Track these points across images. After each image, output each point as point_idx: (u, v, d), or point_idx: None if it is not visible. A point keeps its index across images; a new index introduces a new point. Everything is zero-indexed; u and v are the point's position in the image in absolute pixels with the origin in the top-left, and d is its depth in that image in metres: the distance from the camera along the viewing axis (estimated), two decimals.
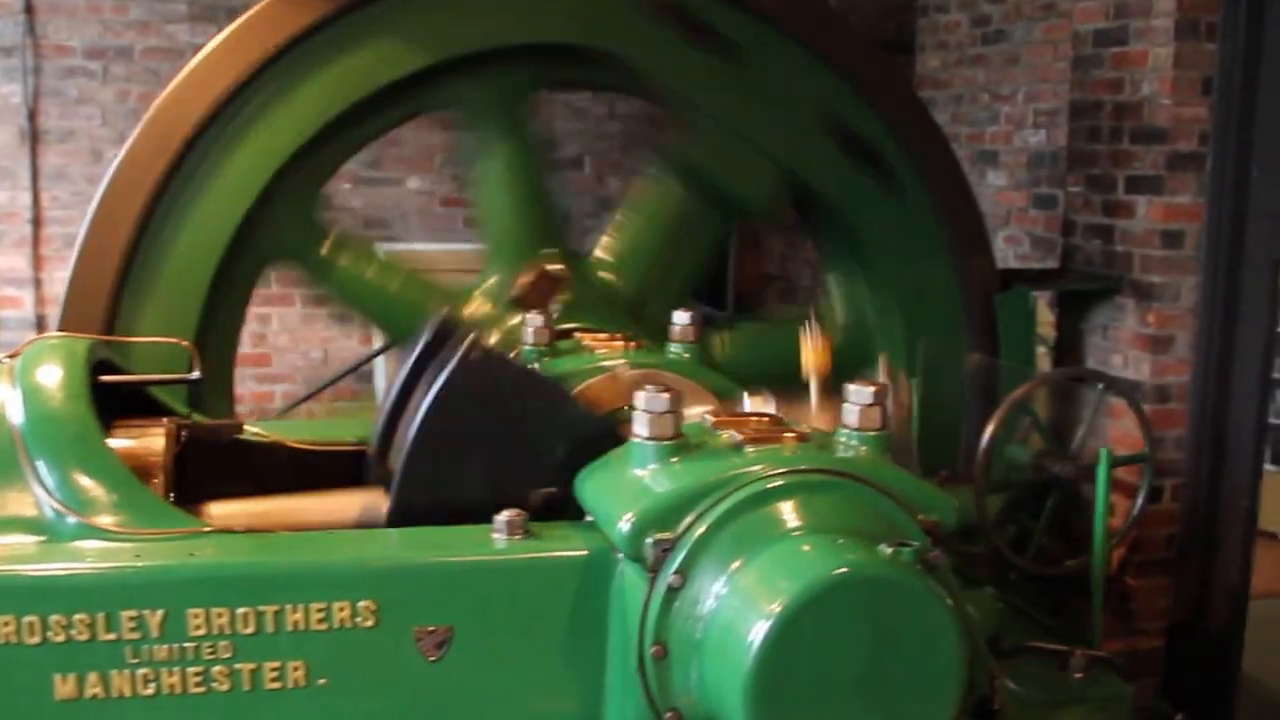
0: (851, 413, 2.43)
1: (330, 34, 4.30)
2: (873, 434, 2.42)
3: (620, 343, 3.77)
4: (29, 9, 8.07)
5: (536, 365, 3.65)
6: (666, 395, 2.34)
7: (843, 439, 2.43)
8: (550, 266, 4.27)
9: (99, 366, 2.86)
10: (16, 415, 2.48)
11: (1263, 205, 5.26)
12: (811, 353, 2.96)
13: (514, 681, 2.34)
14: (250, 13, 4.30)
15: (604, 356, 3.63)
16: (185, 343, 3.18)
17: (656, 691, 2.21)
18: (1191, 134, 5.32)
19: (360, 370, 8.14)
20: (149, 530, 2.35)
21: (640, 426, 2.35)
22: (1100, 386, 4.78)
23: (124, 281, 4.23)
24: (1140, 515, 4.79)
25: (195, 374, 2.92)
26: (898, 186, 4.85)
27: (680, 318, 3.71)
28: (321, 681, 2.26)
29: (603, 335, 3.88)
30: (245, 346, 8.53)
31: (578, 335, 3.91)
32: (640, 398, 2.35)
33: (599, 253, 4.73)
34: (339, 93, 4.36)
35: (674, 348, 3.69)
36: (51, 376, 2.58)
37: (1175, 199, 5.36)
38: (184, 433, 2.89)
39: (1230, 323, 5.39)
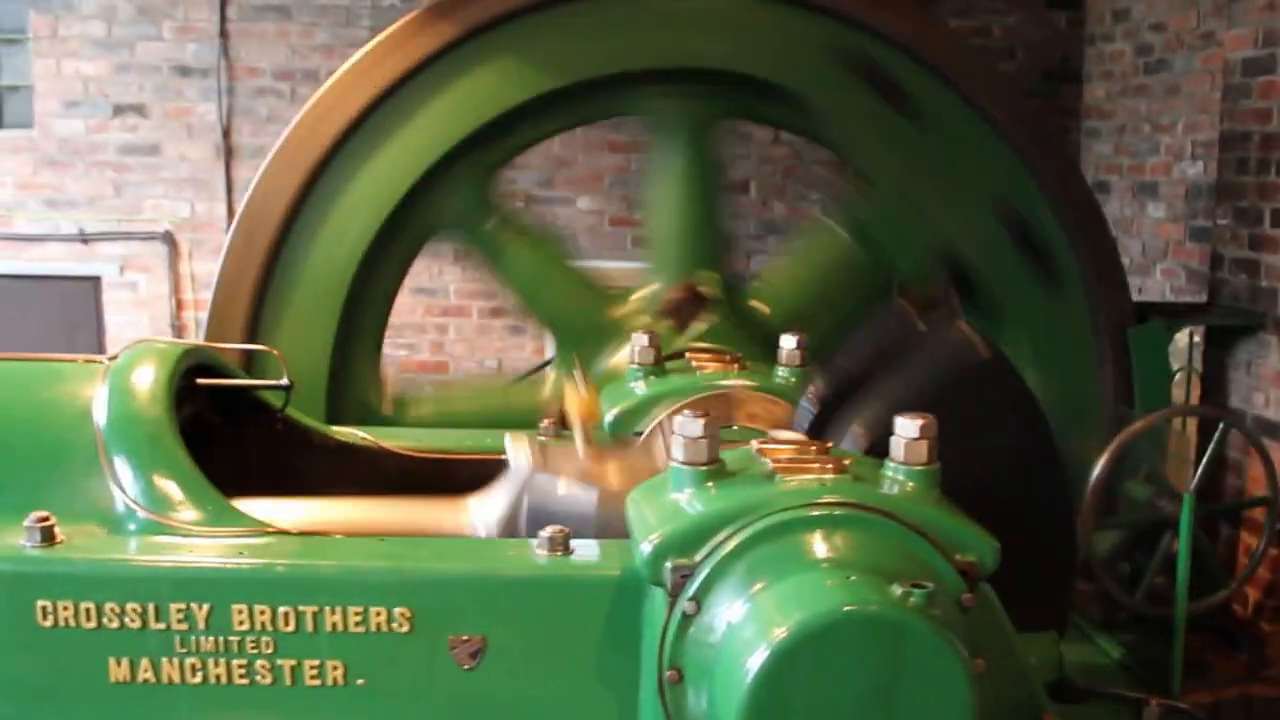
0: (897, 446, 2.40)
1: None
2: (920, 468, 2.39)
3: (727, 364, 3.79)
4: (224, 34, 8.63)
5: (641, 383, 3.69)
6: (702, 420, 2.35)
7: (889, 473, 2.40)
8: (700, 286, 4.34)
9: (201, 370, 3.02)
10: (101, 414, 2.64)
11: None
12: (575, 400, 2.97)
13: (548, 695, 2.38)
14: (384, 35, 4.50)
15: (711, 377, 3.66)
16: (275, 351, 3.33)
17: (674, 716, 2.23)
18: None
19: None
20: (210, 529, 2.47)
21: (676, 450, 2.37)
22: (1221, 425, 4.60)
23: (265, 289, 4.46)
24: (1262, 557, 4.60)
25: (285, 380, 3.05)
26: (1060, 284, 4.80)
27: (787, 341, 3.72)
28: (360, 682, 2.34)
29: (710, 355, 3.90)
30: (424, 354, 8.94)
31: (688, 355, 3.95)
32: (677, 422, 2.37)
33: (758, 282, 4.78)
34: (513, 88, 4.54)
35: (781, 371, 3.69)
36: (138, 379, 2.73)
37: None
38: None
39: None
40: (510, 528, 2.82)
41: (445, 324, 9.04)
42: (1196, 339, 6.22)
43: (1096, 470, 4.04)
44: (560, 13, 4.58)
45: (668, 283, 4.55)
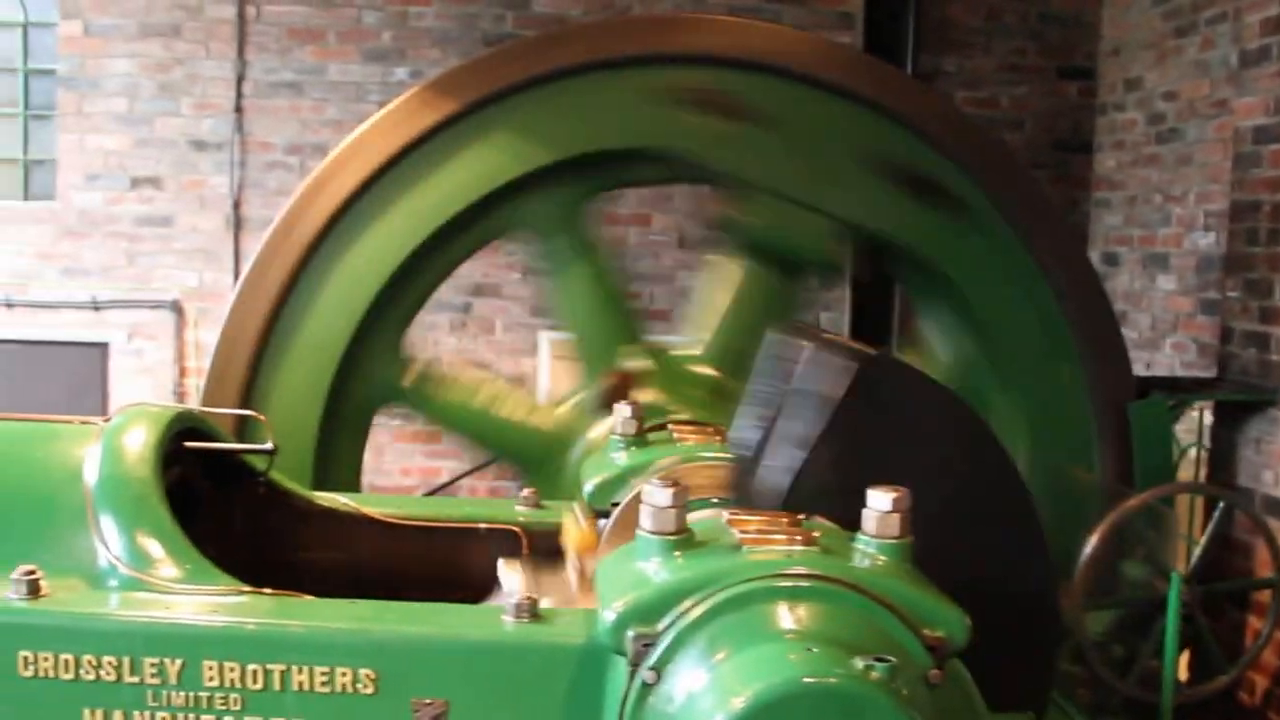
0: (869, 519, 2.40)
1: (422, 154, 4.58)
2: (891, 542, 2.39)
3: (708, 435, 3.80)
4: (239, 109, 8.85)
5: (622, 454, 3.70)
6: (671, 490, 2.37)
7: (860, 546, 2.40)
8: (627, 365, 4.37)
9: (190, 434, 3.07)
10: (92, 473, 2.70)
11: None
12: (574, 532, 3.00)
13: None
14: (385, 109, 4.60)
15: (692, 448, 3.67)
16: (261, 417, 3.39)
17: None
18: None
19: None
20: (187, 587, 2.51)
21: (644, 519, 2.39)
22: (1222, 504, 4.57)
23: (261, 356, 4.53)
24: (1266, 642, 4.54)
25: (269, 445, 3.10)
26: (973, 217, 4.79)
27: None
28: None
29: (691, 427, 3.91)
30: (419, 423, 8.97)
31: (671, 427, 3.96)
32: (645, 490, 2.39)
33: (687, 343, 4.83)
34: (514, 161, 4.63)
35: None
36: (128, 441, 2.78)
37: None
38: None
39: None
40: None
41: None
42: (1208, 415, 6.20)
43: (1089, 548, 4.01)
44: (562, 87, 4.67)
45: (596, 376, 4.60)
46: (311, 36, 8.69)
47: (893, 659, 2.09)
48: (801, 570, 2.26)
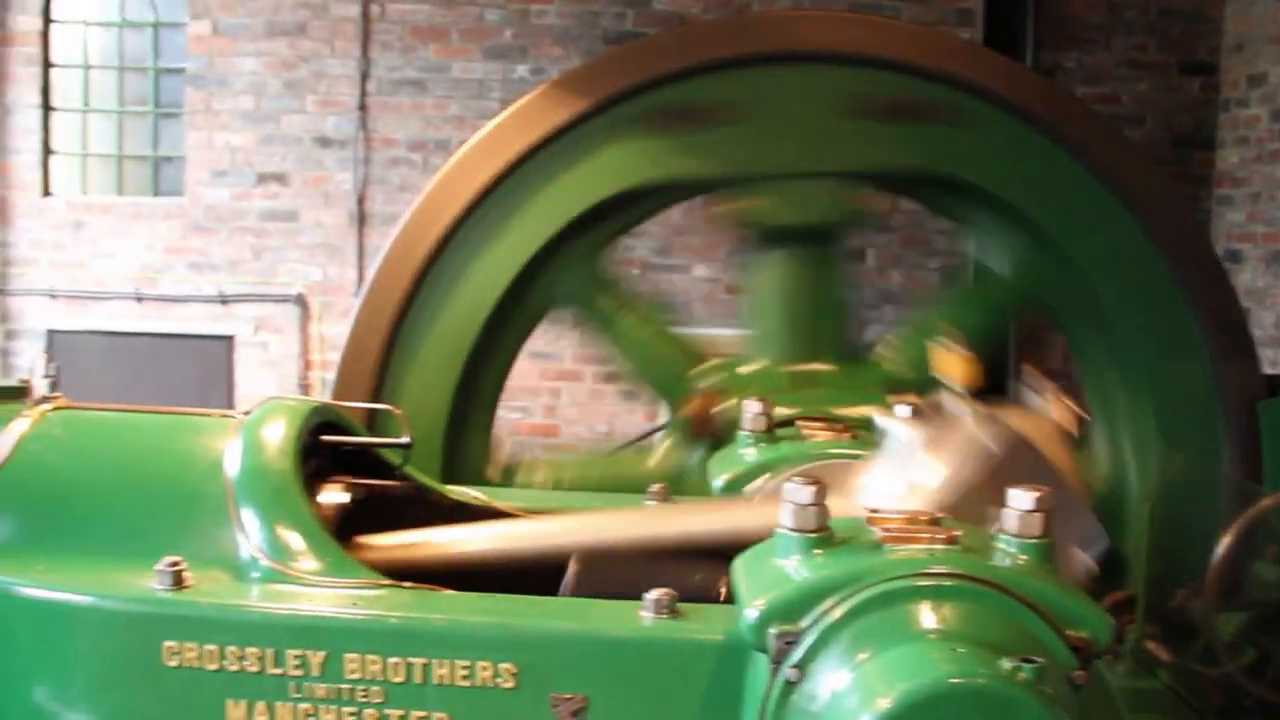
0: (1011, 518, 2.38)
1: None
2: (1033, 542, 2.37)
3: (838, 432, 3.79)
4: (363, 107, 9.00)
5: (752, 450, 3.70)
6: (812, 487, 2.37)
7: (1001, 545, 2.38)
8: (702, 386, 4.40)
9: (326, 427, 3.12)
10: (233, 466, 2.75)
11: None
12: (952, 360, 2.91)
13: None
14: (519, 104, 4.62)
15: (821, 445, 3.67)
16: (397, 411, 3.42)
17: None
18: None
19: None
20: (328, 579, 2.55)
21: (785, 517, 2.39)
22: None
23: (390, 351, 4.57)
24: None
25: (405, 439, 3.13)
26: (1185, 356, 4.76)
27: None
28: None
29: (820, 424, 3.90)
30: (536, 417, 9.09)
31: (799, 424, 3.96)
32: (786, 488, 2.39)
33: (744, 347, 4.79)
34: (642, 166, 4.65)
35: None
36: (268, 434, 2.83)
37: None
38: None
39: None
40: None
41: (559, 388, 9.20)
42: None
43: (1221, 549, 3.94)
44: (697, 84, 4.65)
45: (778, 355, 4.57)
46: (434, 34, 8.80)
47: (1040, 660, 2.07)
48: (944, 569, 2.25)
